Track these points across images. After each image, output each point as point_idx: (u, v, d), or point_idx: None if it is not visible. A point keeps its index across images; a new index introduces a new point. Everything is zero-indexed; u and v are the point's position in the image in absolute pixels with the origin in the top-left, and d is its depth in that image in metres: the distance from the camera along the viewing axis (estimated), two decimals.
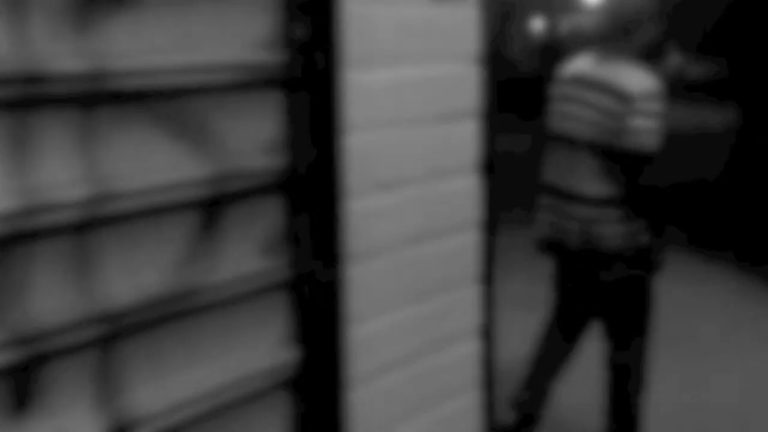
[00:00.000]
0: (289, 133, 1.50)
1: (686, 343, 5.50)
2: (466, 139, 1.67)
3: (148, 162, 1.37)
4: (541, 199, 3.62)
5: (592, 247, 3.40)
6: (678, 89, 29.04)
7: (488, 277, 1.77)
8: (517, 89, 17.97)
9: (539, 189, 3.65)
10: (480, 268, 1.73)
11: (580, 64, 3.48)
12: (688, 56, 28.96)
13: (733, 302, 6.35)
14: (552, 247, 3.59)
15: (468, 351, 1.69)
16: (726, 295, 6.52)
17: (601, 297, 3.49)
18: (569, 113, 3.43)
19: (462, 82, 1.68)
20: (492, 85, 1.65)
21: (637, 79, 3.26)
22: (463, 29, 1.64)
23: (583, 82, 3.40)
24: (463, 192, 1.66)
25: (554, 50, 19.94)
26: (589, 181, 3.35)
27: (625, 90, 3.24)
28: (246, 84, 1.45)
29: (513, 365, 4.97)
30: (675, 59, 29.60)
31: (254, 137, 1.46)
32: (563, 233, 3.49)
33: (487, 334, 1.72)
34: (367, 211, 1.57)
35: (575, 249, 3.46)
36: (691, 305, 6.25)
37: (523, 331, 5.54)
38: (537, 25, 21.86)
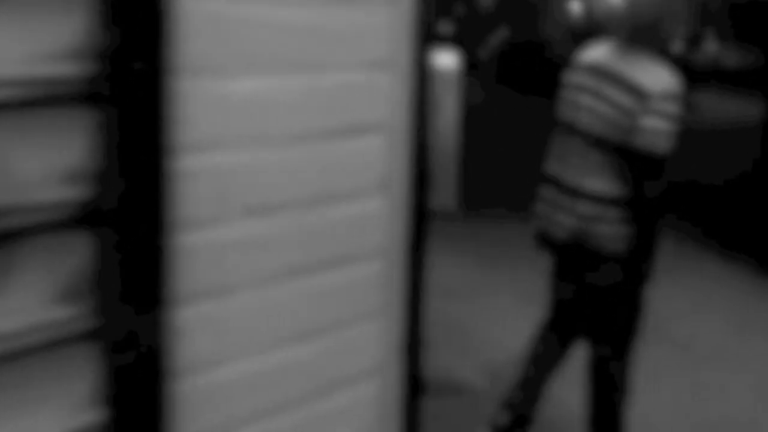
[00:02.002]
0: (98, 157, 1.26)
1: (697, 347, 5.29)
2: (366, 156, 1.41)
3: None
4: (540, 190, 3.44)
5: (584, 245, 3.23)
6: (713, 78, 28.69)
7: (412, 307, 1.54)
8: (552, 72, 17.70)
9: (540, 179, 3.48)
10: (388, 300, 1.47)
11: (600, 54, 3.28)
12: (725, 44, 28.56)
13: (748, 304, 6.11)
14: (547, 241, 3.42)
15: (363, 395, 1.45)
16: (741, 296, 6.28)
17: (588, 299, 3.32)
18: (582, 104, 3.24)
19: (362, 93, 1.39)
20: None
21: (657, 77, 3.07)
22: (365, 33, 1.34)
23: (600, 73, 3.21)
24: (362, 217, 1.41)
25: (590, 33, 19.60)
26: (595, 177, 3.19)
27: (642, 87, 3.07)
28: (40, 101, 1.21)
29: (515, 362, 4.84)
30: (711, 47, 29.20)
31: (51, 164, 1.22)
32: (553, 226, 3.32)
33: (408, 371, 1.49)
34: (226, 241, 1.32)
35: (563, 244, 3.29)
36: (703, 306, 6.03)
37: (527, 327, 5.39)
38: (575, 6, 21.57)
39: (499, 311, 5.72)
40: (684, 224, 8.63)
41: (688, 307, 6.03)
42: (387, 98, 1.32)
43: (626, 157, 3.13)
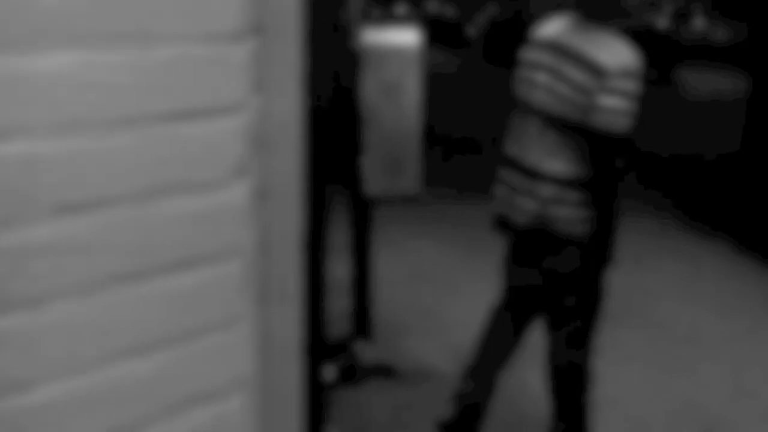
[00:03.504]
0: None
1: (672, 329, 5.17)
2: (217, 141, 1.20)
3: None
4: (499, 173, 3.30)
5: (544, 228, 3.09)
6: (700, 54, 28.65)
7: (310, 306, 1.40)
8: None
9: (499, 161, 3.33)
10: (261, 301, 1.28)
11: (556, 29, 3.13)
12: (713, 20, 28.43)
13: (727, 286, 6.00)
14: (503, 224, 3.28)
15: (231, 409, 1.28)
16: (720, 278, 6.17)
17: (547, 285, 3.18)
18: (538, 82, 3.10)
19: (211, 70, 1.19)
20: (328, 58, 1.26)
21: (614, 53, 2.94)
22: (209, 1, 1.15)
23: (556, 49, 3.07)
24: (214, 210, 1.23)
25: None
26: (553, 158, 3.05)
27: (600, 64, 2.93)
28: None
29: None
30: (699, 23, 29.11)
31: None
32: (512, 210, 3.19)
33: (306, 376, 1.34)
34: (31, 245, 1.10)
35: (523, 228, 3.15)
36: (681, 288, 5.91)
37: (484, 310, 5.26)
38: None
39: (472, 295, 5.60)
40: (665, 202, 8.51)
41: (666, 289, 5.91)
42: (247, 75, 1.13)
43: (585, 136, 2.99)
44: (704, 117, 15.05)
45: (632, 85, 2.93)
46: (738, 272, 6.27)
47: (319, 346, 1.43)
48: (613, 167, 2.97)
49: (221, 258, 1.19)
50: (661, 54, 20.14)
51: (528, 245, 3.22)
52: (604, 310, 5.30)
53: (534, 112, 3.11)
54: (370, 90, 4.35)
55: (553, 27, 3.16)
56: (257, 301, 1.28)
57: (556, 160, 3.05)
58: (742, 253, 6.76)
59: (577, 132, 2.99)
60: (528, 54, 3.20)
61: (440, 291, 5.73)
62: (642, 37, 19.79)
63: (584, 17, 3.07)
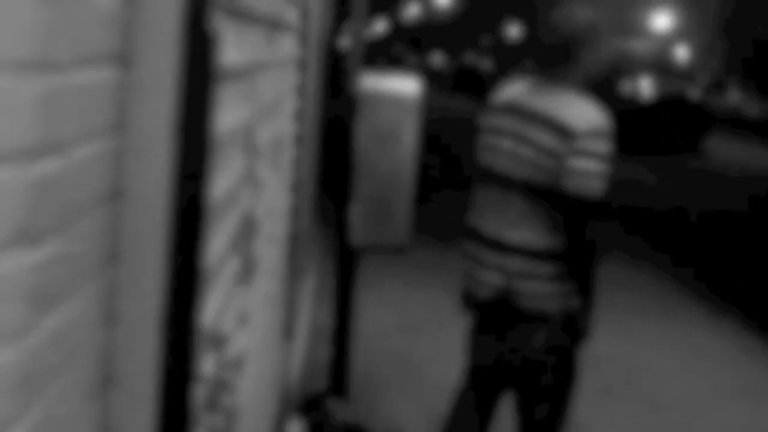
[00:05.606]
0: None
1: (670, 408, 4.92)
2: None
3: None
4: (463, 246, 3.10)
5: (510, 304, 2.88)
6: (731, 125, 28.52)
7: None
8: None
9: (464, 233, 3.13)
10: None
11: (516, 91, 2.96)
12: (749, 92, 28.27)
13: (735, 363, 5.73)
14: (467, 300, 3.07)
15: None
16: (728, 354, 5.90)
17: (513, 365, 2.96)
18: (501, 148, 2.92)
19: None
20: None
21: (582, 113, 2.76)
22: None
23: (517, 112, 2.89)
24: None
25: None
26: (520, 228, 2.86)
27: (567, 125, 2.76)
28: None
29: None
30: (733, 95, 28.98)
31: None
32: (475, 284, 2.98)
33: None
34: None
35: (487, 303, 2.94)
36: (684, 361, 5.65)
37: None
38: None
39: (460, 351, 5.38)
40: (676, 268, 8.26)
41: (667, 360, 5.66)
42: (33, 111, 0.85)
43: (555, 202, 2.80)
44: (726, 186, 14.81)
45: (603, 146, 2.76)
46: (744, 350, 6.01)
47: None
48: (588, 235, 2.78)
49: None
50: (692, 123, 19.95)
51: (490, 321, 3.00)
52: (578, 388, 5.05)
53: (498, 179, 2.92)
54: (363, 137, 4.19)
55: (512, 90, 2.99)
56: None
57: (523, 230, 2.85)
58: (750, 331, 6.49)
59: (546, 198, 2.81)
60: (488, 119, 3.03)
61: (426, 345, 5.52)
62: (673, 106, 19.63)
63: (544, 77, 2.91)
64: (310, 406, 4.39)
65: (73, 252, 1.04)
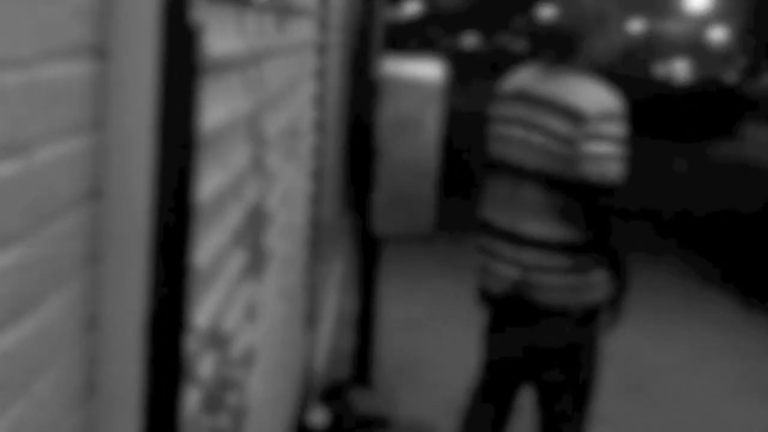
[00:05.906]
0: None
1: (684, 408, 4.82)
2: None
3: None
4: (477, 239, 3.03)
5: (526, 298, 2.81)
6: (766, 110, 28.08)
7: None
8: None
9: (477, 227, 3.05)
10: None
11: (524, 78, 2.88)
12: None
13: (758, 362, 5.62)
14: (482, 295, 3.00)
15: None
16: (751, 353, 5.78)
17: (533, 360, 2.89)
18: (512, 137, 2.84)
19: None
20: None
21: (591, 95, 2.69)
22: None
23: (526, 100, 2.81)
24: None
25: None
26: (534, 220, 2.78)
27: (577, 109, 2.67)
28: None
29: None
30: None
31: None
32: (489, 278, 2.91)
33: None
34: None
35: (502, 298, 2.87)
36: (701, 360, 5.54)
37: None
38: (635, 26, 21.17)
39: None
40: (701, 261, 8.11)
41: (694, 357, 5.55)
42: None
43: (572, 192, 2.72)
44: (760, 175, 14.57)
45: (615, 129, 2.68)
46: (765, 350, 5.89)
47: None
48: (611, 221, 2.69)
49: None
50: (727, 108, 19.66)
51: (506, 316, 2.93)
52: (600, 384, 4.97)
53: (510, 170, 2.84)
54: (385, 124, 4.13)
55: (519, 77, 2.91)
56: None
57: (537, 222, 2.77)
58: None
59: (561, 188, 2.72)
60: (497, 109, 2.94)
61: (452, 335, 5.46)
62: (709, 90, 19.33)
63: (552, 62, 2.83)
64: (333, 394, 4.35)
65: (47, 254, 0.99)
